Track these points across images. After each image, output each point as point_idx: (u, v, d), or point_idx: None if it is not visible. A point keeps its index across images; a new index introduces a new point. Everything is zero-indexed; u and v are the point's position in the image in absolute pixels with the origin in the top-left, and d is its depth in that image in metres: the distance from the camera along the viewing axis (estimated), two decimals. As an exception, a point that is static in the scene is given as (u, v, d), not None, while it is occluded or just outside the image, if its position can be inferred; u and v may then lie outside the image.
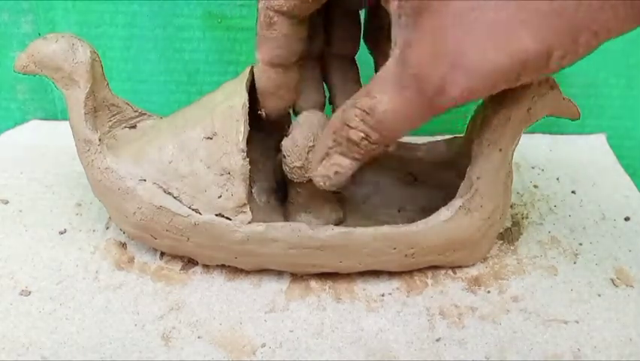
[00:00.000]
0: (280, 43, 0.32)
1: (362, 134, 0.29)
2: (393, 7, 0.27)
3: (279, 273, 0.36)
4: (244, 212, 0.33)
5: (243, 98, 0.33)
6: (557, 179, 0.45)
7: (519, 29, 0.24)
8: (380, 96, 0.27)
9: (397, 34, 0.27)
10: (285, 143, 0.34)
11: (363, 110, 0.28)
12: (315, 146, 0.32)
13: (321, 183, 0.31)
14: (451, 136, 0.40)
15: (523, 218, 0.41)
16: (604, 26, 0.24)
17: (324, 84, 0.37)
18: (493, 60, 0.25)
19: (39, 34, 0.45)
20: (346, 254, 0.34)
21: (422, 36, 0.26)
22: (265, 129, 0.38)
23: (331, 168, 0.31)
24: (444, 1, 0.25)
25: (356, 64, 0.36)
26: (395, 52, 0.27)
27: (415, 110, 0.27)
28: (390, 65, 0.27)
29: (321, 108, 0.36)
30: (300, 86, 0.35)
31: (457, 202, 0.33)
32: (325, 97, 0.37)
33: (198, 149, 0.33)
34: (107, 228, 0.40)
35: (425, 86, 0.26)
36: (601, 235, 0.40)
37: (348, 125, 0.29)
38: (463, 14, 0.25)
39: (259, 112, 0.35)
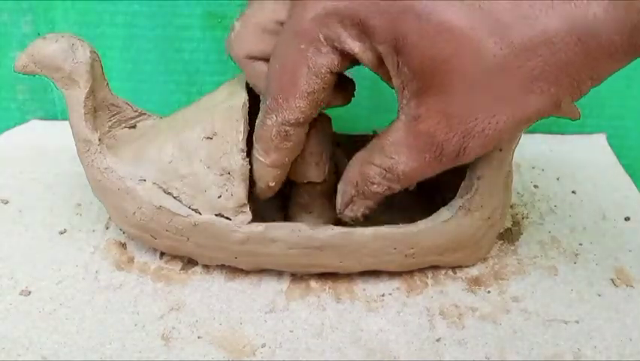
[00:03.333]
0: (294, 150, 0.32)
1: (385, 187, 0.31)
2: (396, 84, 0.28)
3: (279, 273, 0.36)
4: (244, 212, 0.33)
5: (243, 98, 0.33)
6: (557, 179, 0.45)
7: (528, 96, 0.26)
8: (397, 157, 0.29)
9: (403, 103, 0.28)
10: None
11: (383, 169, 0.30)
12: (340, 187, 0.33)
13: (351, 222, 0.33)
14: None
15: (523, 218, 0.41)
16: (604, 71, 0.26)
17: None
18: (506, 124, 0.27)
19: (39, 34, 0.45)
20: (346, 254, 0.34)
21: (429, 112, 0.27)
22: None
23: (359, 211, 0.32)
24: (446, 84, 0.26)
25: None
26: (401, 119, 0.28)
27: (435, 167, 0.29)
28: (400, 130, 0.29)
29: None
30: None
31: (457, 202, 0.33)
32: None
33: (198, 149, 0.33)
34: (107, 228, 0.40)
35: (444, 152, 0.28)
36: (601, 235, 0.40)
37: (370, 182, 0.31)
38: (469, 92, 0.26)
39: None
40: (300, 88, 0.29)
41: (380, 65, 0.28)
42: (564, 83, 0.26)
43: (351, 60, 0.29)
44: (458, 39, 0.25)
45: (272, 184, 0.33)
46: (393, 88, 0.29)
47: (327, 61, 0.28)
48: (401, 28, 0.26)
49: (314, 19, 0.28)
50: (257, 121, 0.32)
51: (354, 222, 0.33)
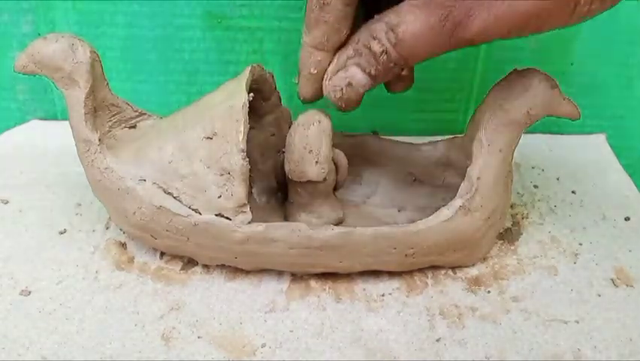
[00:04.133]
0: (332, 27, 0.32)
1: (382, 48, 0.30)
2: None
3: (279, 273, 0.36)
4: (244, 212, 0.33)
5: (243, 98, 0.33)
6: (557, 179, 0.45)
7: None
8: (406, 16, 0.29)
9: None
10: (286, 142, 0.34)
11: (388, 26, 0.29)
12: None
13: (332, 95, 0.32)
14: (451, 136, 0.40)
15: (523, 218, 0.41)
16: None
17: None
18: (520, 2, 0.26)
19: (39, 34, 0.45)
20: (346, 254, 0.34)
21: None
22: (265, 129, 0.39)
23: (345, 80, 0.31)
24: None
25: None
26: None
27: (435, 38, 0.28)
28: None
29: None
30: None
31: (457, 202, 0.33)
32: None
33: (198, 149, 0.33)
34: (107, 228, 0.40)
35: (449, 15, 0.28)
36: (601, 235, 0.40)
37: (372, 36, 0.30)
38: None
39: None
40: None
41: None
42: None
43: None
44: None
45: (313, 71, 0.33)
46: None
47: None
48: None
49: None
50: None
51: (337, 102, 0.32)
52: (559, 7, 0.27)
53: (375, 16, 0.30)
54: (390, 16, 0.30)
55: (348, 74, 0.31)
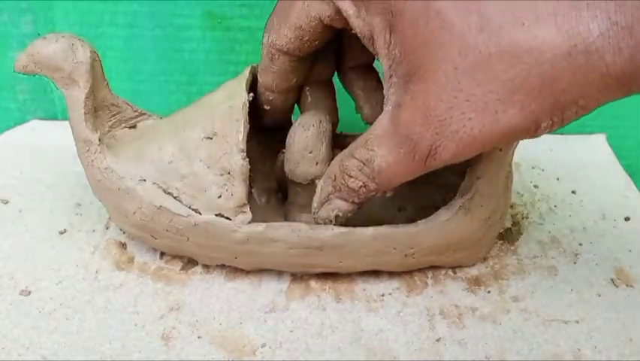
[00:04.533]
0: (280, 77, 0.34)
1: (361, 183, 0.30)
2: (384, 67, 0.28)
3: (279, 273, 0.36)
4: (244, 212, 0.33)
5: (243, 98, 0.33)
6: (557, 179, 0.45)
7: (507, 107, 0.25)
8: (377, 150, 0.29)
9: (389, 91, 0.28)
10: (286, 143, 0.34)
11: (361, 162, 0.30)
12: (321, 183, 0.33)
13: (323, 224, 0.33)
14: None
15: (523, 218, 0.41)
16: (592, 98, 0.25)
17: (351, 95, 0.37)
18: (483, 132, 0.26)
19: (39, 34, 0.45)
20: (346, 254, 0.34)
21: (411, 100, 0.27)
22: (265, 129, 0.39)
23: (332, 212, 0.32)
24: (431, 71, 0.26)
25: (374, 69, 0.36)
26: (387, 109, 0.28)
27: (409, 167, 0.28)
28: (384, 120, 0.29)
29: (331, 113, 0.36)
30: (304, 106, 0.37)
31: (457, 202, 0.33)
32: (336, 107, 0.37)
33: (198, 149, 0.33)
34: (107, 228, 0.40)
35: (417, 148, 0.27)
36: (601, 235, 0.40)
37: (347, 175, 0.31)
38: (449, 86, 0.25)
39: (264, 106, 0.36)
40: (290, 19, 0.31)
41: (369, 40, 0.28)
42: (546, 101, 0.25)
43: (343, 22, 0.30)
44: (450, 28, 0.25)
45: (266, 107, 0.36)
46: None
47: (319, 7, 0.30)
48: (399, 4, 0.26)
49: None
50: None
51: (330, 223, 0.33)
52: (522, 131, 0.26)
53: (344, 151, 0.31)
54: (361, 152, 0.30)
55: (334, 207, 0.32)
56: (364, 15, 0.28)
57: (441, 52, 0.25)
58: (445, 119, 0.26)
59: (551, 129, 0.26)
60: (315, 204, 0.33)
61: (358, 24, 0.29)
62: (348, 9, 0.29)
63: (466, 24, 0.25)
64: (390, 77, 0.28)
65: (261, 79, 0.35)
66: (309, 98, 0.36)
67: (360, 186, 0.30)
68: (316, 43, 0.32)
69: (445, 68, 0.25)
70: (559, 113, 0.25)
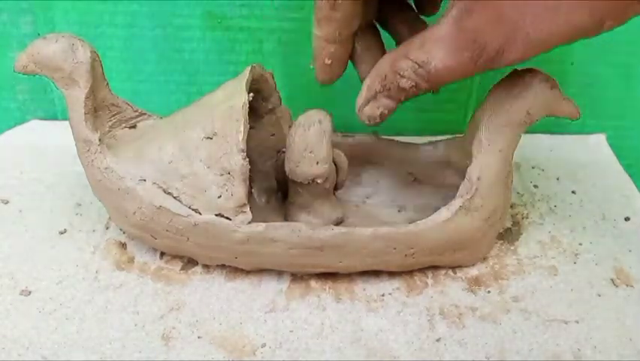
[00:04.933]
0: (343, 24, 0.33)
1: (413, 83, 0.31)
2: None
3: (279, 273, 0.36)
4: (244, 212, 0.33)
5: (243, 98, 0.33)
6: (557, 179, 0.45)
7: (577, 9, 0.26)
8: (435, 52, 0.29)
9: None
10: (287, 142, 0.34)
11: (416, 63, 0.30)
12: (368, 85, 0.32)
13: (367, 122, 0.33)
14: (451, 136, 0.40)
15: (523, 218, 0.41)
16: None
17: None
18: (552, 32, 0.27)
19: (39, 34, 0.45)
20: (346, 254, 0.34)
21: (483, 6, 0.28)
22: (265, 129, 0.39)
23: (378, 110, 0.32)
24: None
25: (377, 29, 0.36)
26: (450, 14, 0.29)
27: (468, 68, 0.29)
28: (445, 24, 0.29)
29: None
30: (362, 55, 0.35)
31: (457, 202, 0.33)
32: None
33: (198, 149, 0.33)
34: (107, 228, 0.40)
35: (483, 50, 0.28)
36: (601, 235, 0.40)
37: (399, 74, 0.31)
38: None
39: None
40: None
41: None
42: (612, 5, 0.26)
43: None
44: None
45: (327, 61, 0.34)
46: None
47: None
48: None
49: None
50: None
51: (370, 124, 0.33)
52: (588, 31, 0.27)
53: (398, 49, 0.31)
54: (417, 53, 0.30)
55: (380, 104, 0.32)
56: None
57: None
58: (518, 21, 0.27)
59: (613, 28, 0.27)
60: (360, 102, 0.33)
61: None
62: None
63: None
64: None
65: (321, 31, 0.33)
66: (359, 49, 0.35)
67: (412, 86, 0.31)
68: None
69: None
70: (622, 13, 0.27)
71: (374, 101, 0.32)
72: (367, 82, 0.32)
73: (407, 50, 0.30)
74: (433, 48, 0.29)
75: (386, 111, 0.32)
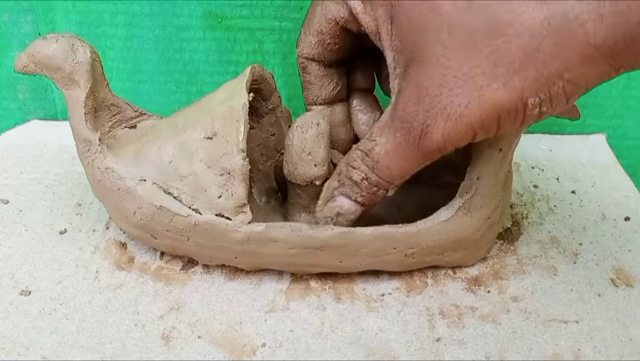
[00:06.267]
0: (317, 85, 0.35)
1: (362, 175, 0.31)
2: (389, 60, 0.29)
3: (279, 273, 0.36)
4: (244, 212, 0.33)
5: (243, 98, 0.33)
6: (557, 179, 0.45)
7: (491, 81, 0.25)
8: (378, 139, 0.30)
9: (394, 83, 0.29)
10: (285, 144, 0.34)
11: (363, 152, 0.31)
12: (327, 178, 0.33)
13: (325, 223, 0.33)
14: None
15: (523, 218, 0.41)
16: (577, 71, 0.25)
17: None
18: (467, 108, 0.26)
19: (39, 34, 0.45)
20: (346, 254, 0.34)
21: (408, 83, 0.28)
22: (265, 129, 0.39)
23: (334, 210, 0.33)
24: (424, 54, 0.27)
25: (374, 95, 0.38)
26: (392, 99, 0.29)
27: (405, 153, 0.29)
28: (387, 111, 0.30)
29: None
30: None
31: (457, 202, 0.33)
32: None
33: (198, 149, 0.33)
34: (107, 228, 0.40)
35: (410, 128, 0.28)
36: (601, 235, 0.40)
37: (351, 166, 0.31)
38: (440, 65, 0.26)
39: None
40: (313, 25, 0.33)
41: (376, 35, 0.30)
42: (529, 75, 0.25)
43: (356, 24, 0.31)
44: (440, 10, 0.26)
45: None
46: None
47: (335, 9, 0.32)
48: None
49: None
50: None
51: (330, 224, 0.33)
52: (508, 109, 0.26)
53: (353, 146, 0.32)
54: (365, 143, 0.31)
55: (336, 204, 0.33)
56: (370, 10, 0.30)
57: (432, 34, 0.26)
58: (435, 96, 0.27)
59: (542, 111, 0.26)
60: (320, 202, 0.33)
61: (366, 20, 0.30)
62: (357, 6, 0.30)
63: (454, 5, 0.26)
64: (395, 68, 0.29)
65: (304, 96, 0.36)
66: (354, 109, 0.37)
67: (362, 178, 0.31)
68: (337, 47, 0.33)
69: (436, 48, 0.26)
70: (544, 88, 0.25)
71: (331, 201, 0.33)
72: (327, 182, 0.33)
73: (360, 142, 0.31)
74: (378, 135, 0.30)
75: (342, 211, 0.32)
